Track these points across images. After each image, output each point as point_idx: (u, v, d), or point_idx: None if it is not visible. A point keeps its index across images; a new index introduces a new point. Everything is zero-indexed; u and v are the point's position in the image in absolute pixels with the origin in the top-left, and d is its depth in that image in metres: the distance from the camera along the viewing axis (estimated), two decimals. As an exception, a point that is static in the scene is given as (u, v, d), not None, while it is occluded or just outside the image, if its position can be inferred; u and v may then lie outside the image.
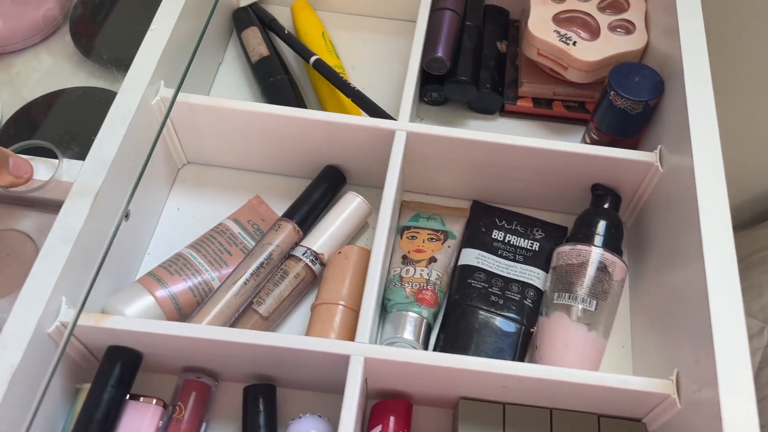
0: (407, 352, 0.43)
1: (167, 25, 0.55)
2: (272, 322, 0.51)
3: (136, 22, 0.68)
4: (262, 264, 0.51)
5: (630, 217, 0.56)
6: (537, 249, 0.55)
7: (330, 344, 0.43)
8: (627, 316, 0.54)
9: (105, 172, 0.47)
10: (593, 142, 0.58)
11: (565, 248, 0.51)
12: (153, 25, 0.55)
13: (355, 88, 0.59)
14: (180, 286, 0.51)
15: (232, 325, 0.50)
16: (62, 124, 0.61)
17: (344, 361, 0.43)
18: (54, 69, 0.68)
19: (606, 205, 0.53)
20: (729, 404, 0.36)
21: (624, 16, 0.61)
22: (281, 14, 0.70)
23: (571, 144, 0.53)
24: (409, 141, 0.53)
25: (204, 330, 0.44)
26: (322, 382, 0.48)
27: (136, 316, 0.48)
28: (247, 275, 0.51)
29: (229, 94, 0.67)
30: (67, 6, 0.72)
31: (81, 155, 0.56)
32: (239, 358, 0.46)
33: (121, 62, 0.67)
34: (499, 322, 0.50)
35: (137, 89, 0.52)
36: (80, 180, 0.47)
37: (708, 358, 0.38)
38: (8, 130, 0.61)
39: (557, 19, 0.61)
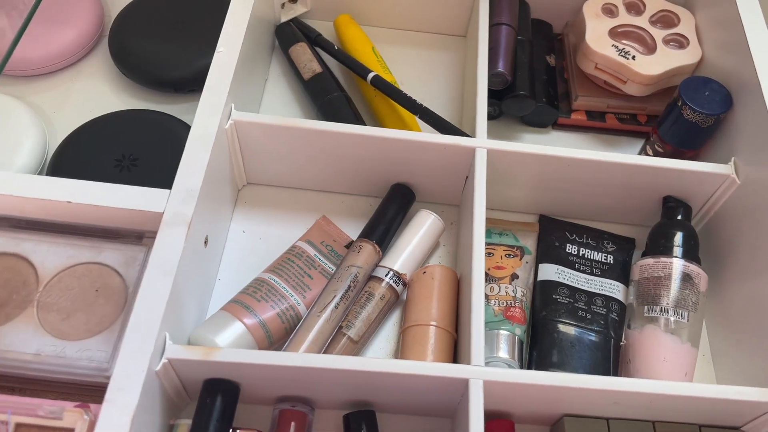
0: (526, 374, 0.43)
1: (234, 46, 0.54)
2: (362, 345, 0.50)
3: (177, 40, 0.66)
4: (349, 287, 0.51)
5: (697, 226, 0.57)
6: (612, 261, 0.56)
7: (447, 369, 0.42)
8: (703, 324, 0.55)
9: (195, 201, 0.46)
10: (656, 154, 0.59)
11: (649, 261, 0.52)
12: (220, 47, 0.54)
13: (422, 104, 0.58)
14: (268, 313, 0.49)
15: (325, 351, 0.49)
16: (118, 148, 0.58)
17: (457, 384, 0.43)
18: (96, 91, 0.66)
19: (679, 217, 0.54)
20: None
21: (676, 30, 0.62)
22: (322, 29, 0.69)
23: (647, 158, 0.54)
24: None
25: (310, 359, 0.43)
26: (426, 405, 0.47)
27: (228, 346, 0.47)
28: (337, 299, 0.50)
29: (279, 112, 0.66)
30: (101, 24, 0.69)
31: (143, 180, 0.55)
32: (340, 385, 0.46)
33: (166, 83, 0.65)
34: (591, 336, 0.51)
35: (214, 114, 0.50)
36: (170, 209, 0.45)
37: (830, 368, 0.39)
38: (62, 156, 0.59)
39: (613, 33, 0.62)
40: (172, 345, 0.42)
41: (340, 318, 0.50)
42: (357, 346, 0.50)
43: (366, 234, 0.54)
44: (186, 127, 0.61)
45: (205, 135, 0.49)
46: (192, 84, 0.64)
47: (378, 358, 0.52)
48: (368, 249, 0.53)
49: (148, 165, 0.58)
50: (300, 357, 0.43)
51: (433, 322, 0.49)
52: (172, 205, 0.46)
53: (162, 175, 0.49)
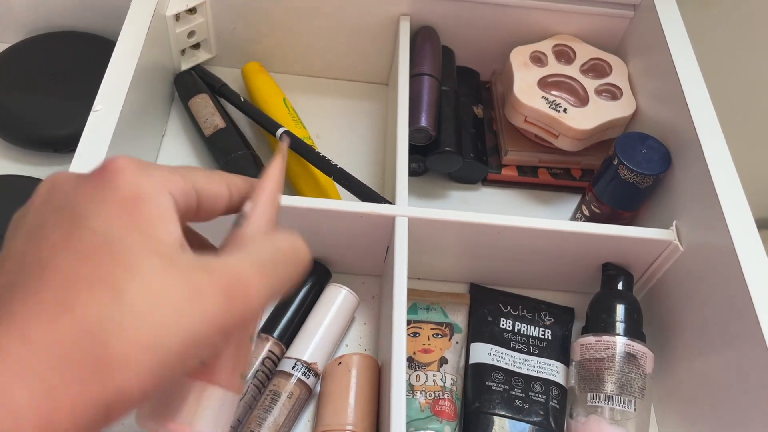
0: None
1: (115, 102, 0.47)
2: (270, 457, 0.43)
3: (57, 94, 0.58)
4: (247, 390, 0.43)
5: (639, 294, 0.53)
6: (550, 337, 0.50)
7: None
8: (651, 409, 0.50)
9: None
10: (592, 214, 0.54)
11: (590, 340, 0.46)
12: (97, 106, 0.46)
13: (337, 165, 0.52)
14: None
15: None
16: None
17: None
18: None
19: (620, 286, 0.49)
20: None
21: (608, 80, 0.58)
22: (228, 77, 0.62)
23: (582, 224, 0.49)
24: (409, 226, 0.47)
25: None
26: None
27: None
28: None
29: (178, 173, 0.58)
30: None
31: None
32: None
33: (45, 142, 0.57)
34: (529, 430, 0.45)
35: (85, 185, 0.42)
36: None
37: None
38: None
39: (543, 83, 0.57)
40: None
41: (236, 425, 0.42)
42: (263, 458, 0.42)
43: (265, 329, 0.47)
44: (64, 195, 0.53)
45: (71, 213, 0.41)
46: (75, 143, 0.56)
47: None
48: (267, 345, 0.46)
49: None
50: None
51: (348, 426, 0.42)
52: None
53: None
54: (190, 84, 0.61)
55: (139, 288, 0.21)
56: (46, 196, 0.24)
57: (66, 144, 0.57)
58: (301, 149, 0.54)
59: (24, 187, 0.53)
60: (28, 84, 0.58)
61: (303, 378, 0.45)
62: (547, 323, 0.51)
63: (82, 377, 0.19)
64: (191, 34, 0.61)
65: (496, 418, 0.45)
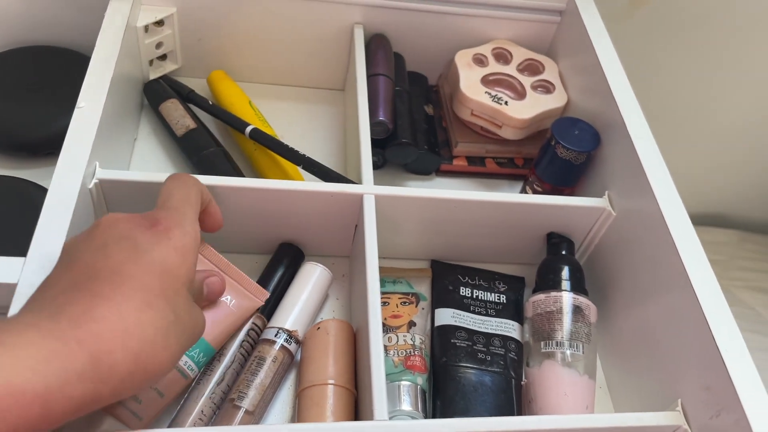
0: (430, 423, 0.40)
1: (97, 101, 0.50)
2: (258, 415, 0.46)
3: (32, 101, 0.61)
4: (234, 358, 0.47)
5: (581, 259, 0.59)
6: (505, 301, 0.56)
7: (345, 428, 0.39)
8: (596, 355, 0.56)
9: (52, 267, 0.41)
10: (535, 194, 0.61)
11: (540, 297, 0.52)
12: (80, 102, 0.50)
13: (304, 155, 0.57)
14: (146, 390, 0.44)
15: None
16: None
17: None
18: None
19: (563, 252, 0.56)
20: (759, 423, 0.38)
21: (542, 77, 0.65)
22: (194, 87, 0.66)
23: (528, 195, 0.55)
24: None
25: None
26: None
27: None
28: (219, 372, 0.46)
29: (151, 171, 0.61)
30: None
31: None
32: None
33: (21, 146, 0.59)
34: (492, 379, 0.50)
35: (75, 172, 0.46)
36: (23, 281, 0.40)
37: (721, 383, 0.40)
38: None
39: (485, 81, 0.64)
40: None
41: (225, 390, 0.46)
42: (254, 417, 0.46)
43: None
44: (44, 192, 0.55)
45: (65, 196, 0.44)
46: (50, 146, 0.59)
47: (275, 425, 0.48)
48: (251, 319, 0.50)
49: (5, 235, 0.51)
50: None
51: (330, 381, 0.46)
52: (27, 276, 0.40)
53: (17, 245, 0.44)
54: (160, 91, 0.65)
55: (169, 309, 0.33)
56: (108, 228, 0.35)
57: (41, 147, 0.59)
58: (270, 143, 0.58)
59: (5, 186, 0.56)
60: (2, 94, 0.61)
61: (285, 344, 0.49)
62: (502, 290, 0.57)
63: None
64: (159, 45, 0.65)
65: (462, 369, 0.50)
